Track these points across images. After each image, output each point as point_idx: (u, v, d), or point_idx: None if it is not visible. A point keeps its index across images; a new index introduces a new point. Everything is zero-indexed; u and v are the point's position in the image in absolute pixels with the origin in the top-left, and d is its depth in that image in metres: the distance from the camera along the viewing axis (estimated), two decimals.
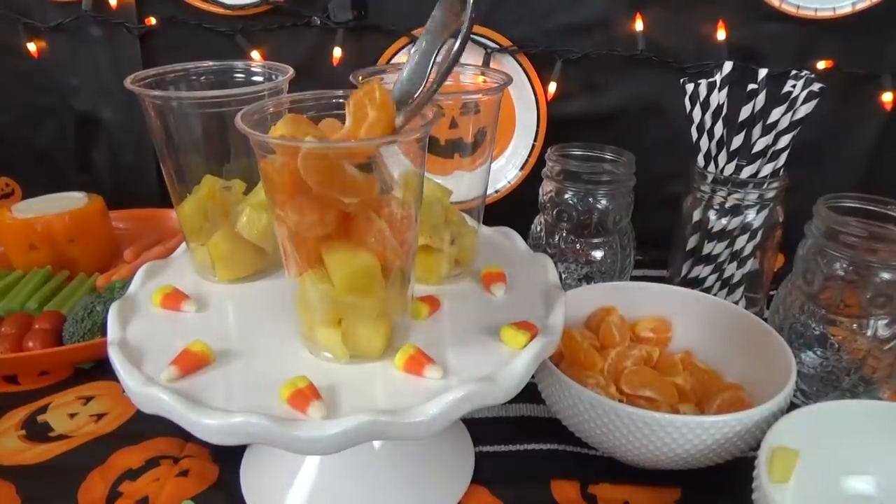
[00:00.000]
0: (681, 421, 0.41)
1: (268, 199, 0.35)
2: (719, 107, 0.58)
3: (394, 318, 0.39)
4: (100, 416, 0.53)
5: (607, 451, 0.46)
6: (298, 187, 0.33)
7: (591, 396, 0.43)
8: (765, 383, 0.47)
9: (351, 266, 0.35)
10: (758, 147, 0.57)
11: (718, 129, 0.59)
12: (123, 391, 0.37)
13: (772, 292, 0.60)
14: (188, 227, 0.47)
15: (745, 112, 0.57)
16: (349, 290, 0.36)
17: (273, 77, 0.47)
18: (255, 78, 0.48)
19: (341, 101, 0.39)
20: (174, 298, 0.44)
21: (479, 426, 0.51)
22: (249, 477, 0.46)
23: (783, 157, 0.57)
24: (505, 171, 0.79)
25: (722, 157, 0.59)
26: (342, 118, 0.38)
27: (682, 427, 0.41)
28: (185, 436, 0.48)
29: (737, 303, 0.62)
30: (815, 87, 0.55)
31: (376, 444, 0.44)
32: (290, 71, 0.47)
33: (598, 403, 0.43)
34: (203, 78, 0.48)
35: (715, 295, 0.61)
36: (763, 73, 0.56)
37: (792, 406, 0.44)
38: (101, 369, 0.57)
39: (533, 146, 0.77)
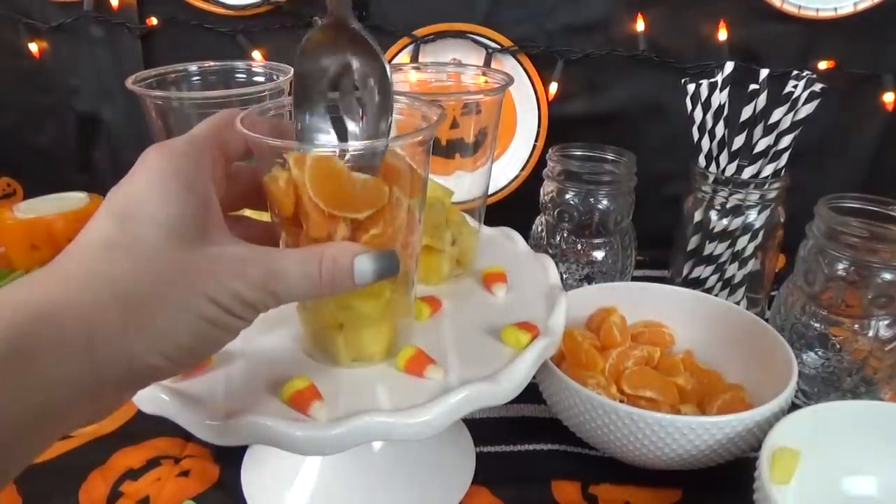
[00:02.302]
0: (682, 421, 0.41)
1: (272, 215, 0.35)
2: (720, 107, 0.58)
3: (397, 321, 0.39)
4: None
5: (608, 451, 0.46)
6: (306, 206, 0.33)
7: (592, 397, 0.43)
8: (766, 384, 0.47)
9: None
10: (759, 147, 0.57)
11: (720, 130, 0.59)
12: None
13: (773, 293, 0.60)
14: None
15: (746, 112, 0.57)
16: (353, 294, 0.36)
17: (274, 77, 0.47)
18: (257, 78, 0.48)
19: None
20: None
21: (480, 426, 0.51)
22: (250, 477, 0.46)
23: (784, 157, 0.57)
24: (506, 171, 0.79)
25: (723, 158, 0.59)
26: None
27: (683, 427, 0.41)
28: (186, 436, 0.48)
29: (738, 303, 0.62)
30: (817, 87, 0.54)
31: (377, 444, 0.44)
32: (292, 71, 0.47)
33: (599, 404, 0.43)
34: (204, 78, 0.48)
35: (716, 295, 0.61)
36: (764, 73, 0.56)
37: (793, 407, 0.44)
38: None
39: (534, 146, 0.77)
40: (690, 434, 0.41)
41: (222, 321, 0.28)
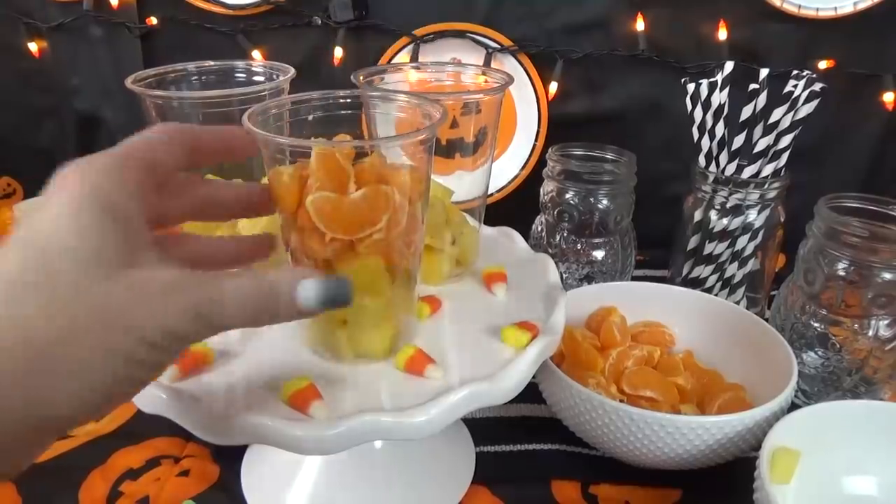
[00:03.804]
0: (682, 421, 0.41)
1: (277, 210, 0.35)
2: (720, 107, 0.58)
3: (400, 318, 0.39)
4: None
5: (608, 451, 0.46)
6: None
7: (592, 396, 0.43)
8: (766, 383, 0.47)
9: (357, 267, 0.35)
10: (759, 147, 0.57)
11: (720, 129, 0.59)
12: None
13: (773, 292, 0.60)
14: (188, 227, 0.47)
15: (746, 112, 0.57)
16: (355, 290, 0.36)
17: (274, 77, 0.47)
18: (257, 78, 0.48)
19: (347, 100, 0.39)
20: None
21: (480, 426, 0.51)
22: (250, 477, 0.46)
23: (784, 157, 0.57)
24: (506, 170, 0.79)
25: (723, 157, 0.59)
26: (346, 119, 0.38)
27: (683, 427, 0.41)
28: (186, 435, 0.48)
29: (738, 303, 0.62)
30: (817, 86, 0.54)
31: (377, 444, 0.44)
32: (291, 71, 0.47)
33: (599, 403, 0.43)
34: (204, 78, 0.48)
35: (716, 295, 0.61)
36: (764, 72, 0.56)
37: (793, 406, 0.44)
38: None
39: (534, 146, 0.77)
40: (690, 434, 0.41)
41: (150, 359, 0.25)
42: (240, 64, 0.49)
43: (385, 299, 0.36)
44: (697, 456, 0.43)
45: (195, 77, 0.48)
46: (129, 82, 0.43)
